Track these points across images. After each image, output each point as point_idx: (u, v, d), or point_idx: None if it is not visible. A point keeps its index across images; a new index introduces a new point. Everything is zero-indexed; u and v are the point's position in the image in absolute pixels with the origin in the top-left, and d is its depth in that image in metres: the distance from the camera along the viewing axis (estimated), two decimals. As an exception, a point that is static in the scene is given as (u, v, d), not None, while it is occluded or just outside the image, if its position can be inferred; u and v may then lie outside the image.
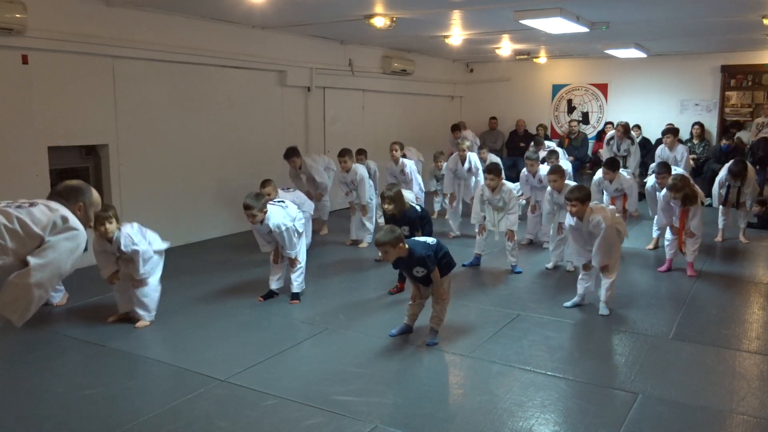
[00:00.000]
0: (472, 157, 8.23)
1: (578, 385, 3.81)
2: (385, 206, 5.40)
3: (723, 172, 7.57)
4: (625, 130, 9.77)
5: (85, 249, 2.96)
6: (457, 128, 11.07)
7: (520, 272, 6.39)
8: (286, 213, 5.26)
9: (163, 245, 4.95)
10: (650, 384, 3.80)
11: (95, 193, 3.06)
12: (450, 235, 7.98)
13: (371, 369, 4.05)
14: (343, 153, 7.40)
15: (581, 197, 4.97)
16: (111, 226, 4.67)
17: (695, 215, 6.14)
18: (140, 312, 4.84)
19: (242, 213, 5.20)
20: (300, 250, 5.38)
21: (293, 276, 5.38)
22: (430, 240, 4.50)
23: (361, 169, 7.51)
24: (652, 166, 8.51)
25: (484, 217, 6.55)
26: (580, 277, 5.28)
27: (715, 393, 3.72)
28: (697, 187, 6.38)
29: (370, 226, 7.60)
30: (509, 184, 6.56)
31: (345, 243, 7.71)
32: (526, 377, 3.90)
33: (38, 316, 4.96)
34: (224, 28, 7.71)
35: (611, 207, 5.59)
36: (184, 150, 7.53)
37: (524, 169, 7.62)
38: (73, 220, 2.83)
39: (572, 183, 5.97)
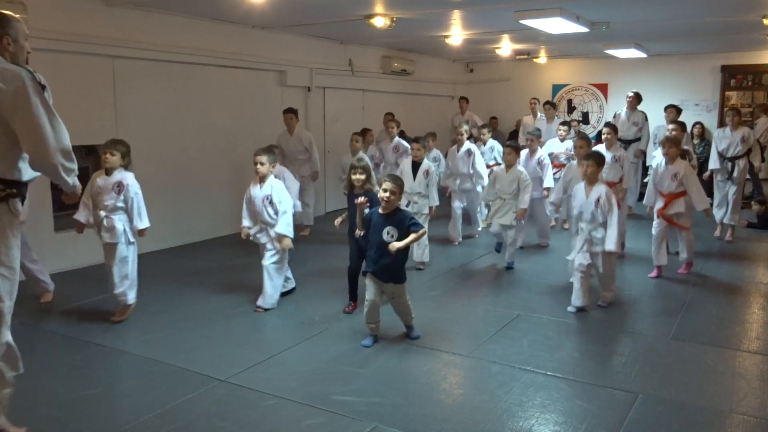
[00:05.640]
0: (474, 150, 7.48)
1: (578, 385, 3.81)
2: (356, 176, 5.08)
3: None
4: (636, 97, 9.20)
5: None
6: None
7: (511, 268, 6.45)
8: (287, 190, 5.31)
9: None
10: (650, 384, 3.80)
11: (18, 21, 2.74)
12: (455, 241, 7.69)
13: (371, 369, 4.05)
14: (417, 139, 6.62)
15: (597, 161, 5.18)
16: (113, 158, 4.45)
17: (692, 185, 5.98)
18: (126, 291, 4.79)
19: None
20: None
21: (269, 285, 5.13)
22: None
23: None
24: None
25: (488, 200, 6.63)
26: (577, 278, 5.16)
27: (715, 393, 3.72)
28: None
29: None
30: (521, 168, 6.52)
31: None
32: (526, 377, 3.90)
33: (38, 316, 5.00)
34: (224, 28, 7.71)
35: None
36: (184, 150, 7.53)
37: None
38: (9, 73, 2.56)
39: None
